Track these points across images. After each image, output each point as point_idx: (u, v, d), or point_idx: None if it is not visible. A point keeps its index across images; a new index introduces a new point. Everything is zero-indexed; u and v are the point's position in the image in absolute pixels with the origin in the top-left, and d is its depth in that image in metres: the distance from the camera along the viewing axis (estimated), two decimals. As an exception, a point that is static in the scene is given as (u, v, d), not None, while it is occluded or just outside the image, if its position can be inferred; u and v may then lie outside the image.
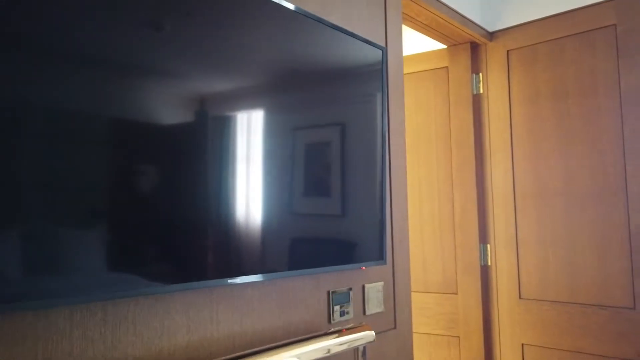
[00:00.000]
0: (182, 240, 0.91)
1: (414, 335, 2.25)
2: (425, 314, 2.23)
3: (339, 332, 1.11)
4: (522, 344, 2.04)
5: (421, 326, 2.24)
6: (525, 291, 2.06)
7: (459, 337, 2.16)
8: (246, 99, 1.04)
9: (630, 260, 1.82)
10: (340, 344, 1.09)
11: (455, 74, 2.27)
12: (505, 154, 2.15)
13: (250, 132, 1.03)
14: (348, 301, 1.31)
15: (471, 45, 2.26)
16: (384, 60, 1.45)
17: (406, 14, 1.91)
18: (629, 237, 1.83)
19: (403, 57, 2.46)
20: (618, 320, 1.83)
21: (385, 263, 1.39)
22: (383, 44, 1.59)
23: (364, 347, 1.18)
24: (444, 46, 2.36)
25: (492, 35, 2.24)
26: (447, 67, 2.31)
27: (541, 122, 2.06)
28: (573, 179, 1.97)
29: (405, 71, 2.39)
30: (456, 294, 2.18)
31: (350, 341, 1.11)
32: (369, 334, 1.15)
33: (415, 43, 2.67)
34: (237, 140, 1.01)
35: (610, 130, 1.90)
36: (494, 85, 2.21)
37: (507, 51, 2.19)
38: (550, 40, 2.07)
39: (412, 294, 2.26)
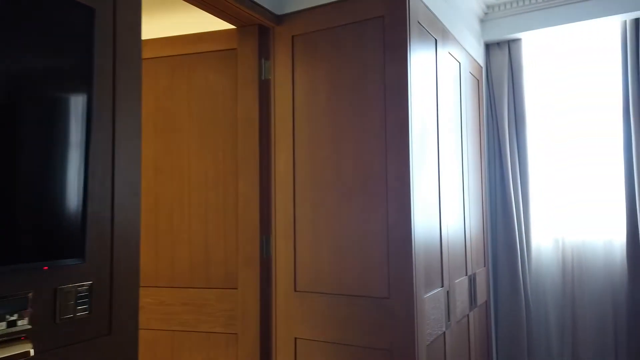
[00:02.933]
0: None
1: (192, 335, 2.12)
2: (206, 312, 2.11)
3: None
4: (295, 338, 1.99)
5: (201, 324, 2.11)
6: (301, 283, 2.02)
7: (237, 334, 2.06)
8: None
9: (387, 251, 1.83)
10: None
11: (244, 57, 2.16)
12: (288, 143, 2.08)
13: None
14: (23, 309, 1.12)
15: (260, 29, 2.16)
16: (94, 25, 1.27)
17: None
18: (387, 228, 1.84)
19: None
20: (376, 310, 1.84)
21: (84, 261, 1.22)
22: (101, 6, 1.38)
23: (24, 362, 1.00)
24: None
25: (279, 19, 2.16)
26: (236, 49, 2.19)
27: (318, 113, 2.02)
28: (342, 170, 1.95)
29: (190, 51, 2.23)
30: (236, 288, 2.08)
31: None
32: (19, 348, 0.97)
33: (211, 21, 2.52)
34: None
35: (375, 123, 1.90)
36: (280, 71, 2.12)
37: (292, 37, 2.12)
38: (328, 28, 2.03)
39: (194, 290, 2.13)
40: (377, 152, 1.88)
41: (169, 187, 2.19)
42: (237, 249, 2.09)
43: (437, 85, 2.20)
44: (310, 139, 2.04)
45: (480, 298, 2.72)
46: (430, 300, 1.95)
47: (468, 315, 2.47)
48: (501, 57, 3.14)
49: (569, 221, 3.02)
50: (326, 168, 1.99)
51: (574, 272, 2.97)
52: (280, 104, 2.11)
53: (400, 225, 1.81)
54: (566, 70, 3.13)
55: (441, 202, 2.16)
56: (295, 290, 2.02)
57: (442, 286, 2.11)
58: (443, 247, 2.14)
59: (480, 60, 3.07)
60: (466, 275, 2.49)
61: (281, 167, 2.09)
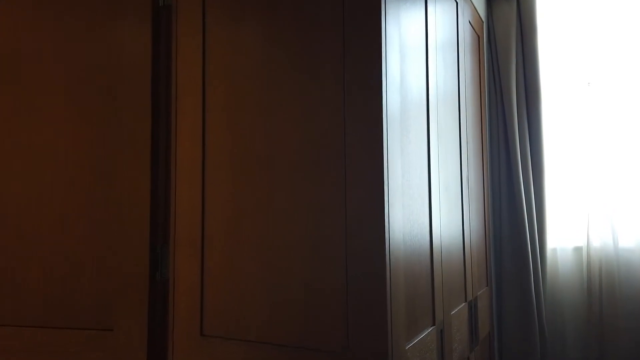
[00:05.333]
0: None
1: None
2: (68, 364, 1.35)
3: None
4: (198, 412, 1.25)
5: (59, 384, 1.35)
6: (211, 323, 1.27)
7: (111, 401, 1.31)
8: None
9: (345, 271, 1.10)
10: None
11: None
12: (195, 106, 1.34)
13: None
14: None
15: None
16: None
17: None
18: (345, 233, 1.11)
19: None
20: (324, 373, 1.10)
21: None
22: None
23: None
24: None
25: None
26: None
27: (244, 64, 1.28)
28: (279, 147, 1.22)
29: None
30: (112, 330, 1.33)
31: None
32: None
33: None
34: None
35: (329, 82, 1.17)
36: (190, -6, 1.38)
37: (207, -60, 1.37)
38: None
39: (50, 331, 1.37)
40: (332, 122, 1.15)
41: (12, 179, 1.43)
42: (108, 266, 1.34)
43: (426, 29, 1.48)
44: (230, 99, 1.30)
45: (483, 330, 2.00)
46: (416, 350, 1.22)
47: (468, 358, 1.75)
48: (508, 10, 2.43)
49: (596, 223, 2.32)
50: (254, 144, 1.25)
51: (602, 291, 2.26)
52: (185, 45, 1.37)
53: (367, 227, 1.09)
54: (595, 28, 2.43)
55: (432, 196, 1.44)
56: (202, 335, 1.28)
57: (434, 324, 1.39)
58: (435, 263, 1.42)
59: (482, 11, 2.36)
60: (465, 301, 1.77)
61: (185, 142, 1.35)
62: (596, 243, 2.30)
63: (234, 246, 1.26)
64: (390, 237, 1.10)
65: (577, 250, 2.34)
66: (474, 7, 2.18)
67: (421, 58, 1.43)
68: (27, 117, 1.44)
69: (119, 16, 1.39)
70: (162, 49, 1.41)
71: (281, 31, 1.23)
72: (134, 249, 1.33)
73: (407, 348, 1.17)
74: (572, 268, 2.34)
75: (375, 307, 1.07)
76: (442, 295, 1.48)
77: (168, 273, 1.35)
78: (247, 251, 1.23)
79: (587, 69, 2.43)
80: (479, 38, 2.27)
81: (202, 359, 1.26)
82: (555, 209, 2.40)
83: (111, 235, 1.35)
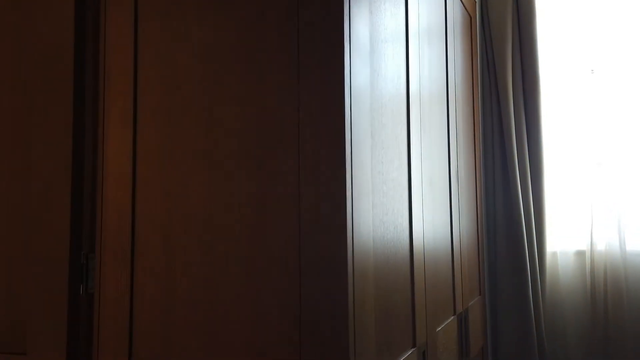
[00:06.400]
0: None
1: None
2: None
3: None
4: None
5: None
6: (142, 346, 1.05)
7: None
8: None
9: (298, 281, 0.88)
10: None
11: None
12: (125, 86, 1.12)
13: None
14: None
15: None
16: None
17: None
18: (299, 234, 0.89)
19: None
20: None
21: None
22: None
23: None
24: None
25: None
26: None
27: (180, 36, 1.06)
28: (220, 132, 1.00)
29: None
30: (24, 354, 1.11)
31: None
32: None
33: None
34: None
35: (281, 75, 0.95)
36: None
37: None
38: None
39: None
40: (284, 112, 0.93)
41: None
42: (24, 278, 1.12)
43: (406, 13, 1.27)
44: (165, 79, 1.08)
45: (475, 346, 1.78)
46: (388, 380, 1.00)
47: (458, 379, 1.54)
48: (502, -9, 2.21)
49: (600, 225, 2.11)
50: (191, 138, 1.03)
51: (607, 298, 2.05)
52: (114, 14, 1.14)
53: (324, 232, 0.87)
54: (598, 9, 2.22)
55: (412, 193, 1.22)
56: (130, 357, 1.05)
57: (414, 345, 1.17)
58: (416, 272, 1.20)
59: (474, -10, 2.15)
60: (454, 314, 1.55)
61: (115, 129, 1.12)
62: (601, 246, 2.08)
63: (167, 255, 1.04)
64: (355, 243, 0.88)
65: (580, 254, 2.13)
66: (464, -17, 1.97)
67: (400, 46, 1.21)
68: None
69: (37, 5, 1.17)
70: (97, 20, 1.18)
71: (225, 18, 1.01)
72: (52, 258, 1.11)
73: (377, 379, 0.95)
74: (574, 274, 2.12)
75: (335, 331, 0.85)
76: (425, 310, 1.26)
77: (92, 288, 1.12)
78: (182, 260, 1.01)
79: (590, 55, 2.22)
80: (471, 19, 2.06)
81: (130, 391, 1.04)
82: (555, 209, 2.19)
83: (26, 242, 1.13)
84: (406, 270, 1.15)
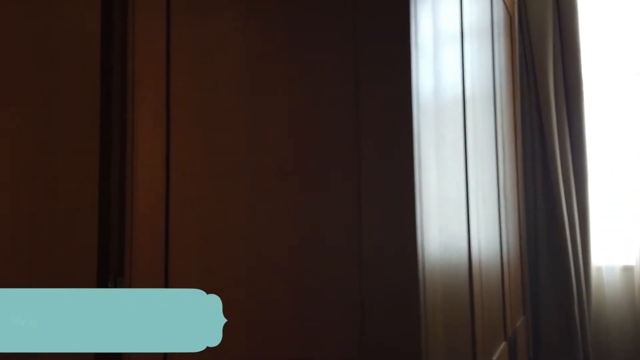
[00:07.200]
0: None
1: None
2: None
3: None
4: None
5: None
6: (176, 385, 0.94)
7: None
8: None
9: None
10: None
11: None
12: (158, 91, 1.01)
13: None
14: None
15: None
16: None
17: None
18: (359, 260, 0.77)
19: None
20: None
21: None
22: None
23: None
24: None
25: None
26: None
27: (220, 35, 0.95)
28: (267, 143, 0.89)
29: None
30: (46, 390, 1.00)
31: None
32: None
33: None
34: None
35: (337, 78, 0.84)
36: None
37: None
38: None
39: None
40: (338, 119, 0.82)
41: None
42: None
43: (461, 10, 1.15)
44: (202, 83, 0.97)
45: (523, 370, 1.66)
46: None
47: (510, 411, 1.42)
48: (543, -10, 2.09)
49: (649, 239, 1.98)
50: (233, 146, 0.92)
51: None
52: (143, 22, 1.04)
53: (390, 259, 0.75)
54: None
55: (470, 212, 1.10)
56: (163, 400, 0.95)
57: (474, 379, 1.05)
58: (475, 290, 1.09)
59: (514, -11, 2.03)
60: (505, 340, 1.43)
61: (144, 136, 1.02)
62: (649, 261, 1.95)
63: (206, 279, 0.93)
64: (426, 277, 0.76)
65: (627, 270, 2.00)
66: (506, -19, 1.85)
67: (456, 48, 1.10)
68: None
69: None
70: (124, 14, 1.08)
71: (273, 19, 0.90)
72: (77, 282, 1.00)
73: None
74: (621, 290, 1.99)
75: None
76: (484, 330, 1.15)
77: (122, 314, 1.02)
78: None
79: (636, 57, 2.09)
80: (511, 18, 1.94)
81: None
82: (600, 222, 2.06)
83: (50, 263, 1.02)
84: (465, 300, 1.03)
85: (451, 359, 0.90)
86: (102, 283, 1.02)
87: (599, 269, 2.02)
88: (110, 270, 1.03)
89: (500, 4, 1.73)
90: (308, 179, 0.84)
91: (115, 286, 1.03)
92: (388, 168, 0.78)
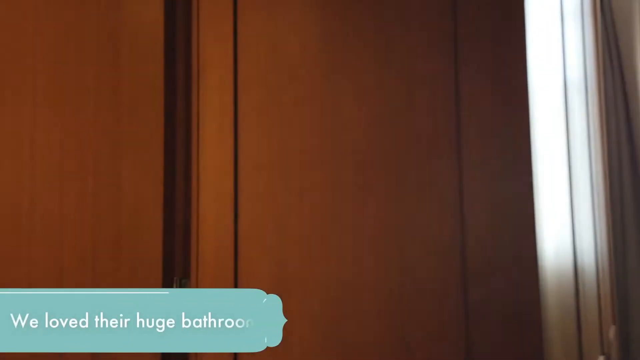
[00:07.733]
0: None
1: None
2: None
3: None
4: None
5: None
6: (248, 399, 0.86)
7: None
8: None
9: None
10: None
11: None
12: (225, 85, 0.94)
13: None
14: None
15: None
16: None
17: None
18: (463, 268, 0.66)
19: None
20: None
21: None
22: None
23: None
24: None
25: None
26: None
27: (293, 33, 0.87)
28: (346, 138, 0.79)
29: None
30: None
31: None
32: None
33: None
34: None
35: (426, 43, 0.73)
36: None
37: None
38: None
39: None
40: (436, 99, 0.71)
41: None
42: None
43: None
44: (273, 69, 0.89)
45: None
46: None
47: None
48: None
49: None
50: (309, 136, 0.83)
51: None
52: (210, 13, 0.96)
53: (503, 269, 0.64)
54: None
55: (573, 207, 0.97)
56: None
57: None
58: (581, 296, 0.95)
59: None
60: (602, 354, 1.27)
61: (211, 133, 0.94)
62: None
63: (280, 283, 0.85)
64: (549, 291, 0.65)
65: None
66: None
67: (556, 28, 0.97)
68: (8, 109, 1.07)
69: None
70: (189, 13, 1.01)
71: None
72: (141, 284, 0.94)
73: None
74: None
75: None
76: (589, 348, 1.01)
77: (189, 320, 0.95)
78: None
79: None
80: (594, 2, 1.76)
81: None
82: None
83: (113, 266, 0.97)
84: (572, 310, 0.90)
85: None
86: (167, 284, 0.95)
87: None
88: (175, 272, 0.97)
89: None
90: (395, 175, 0.74)
91: (184, 285, 0.96)
92: (496, 158, 0.66)
